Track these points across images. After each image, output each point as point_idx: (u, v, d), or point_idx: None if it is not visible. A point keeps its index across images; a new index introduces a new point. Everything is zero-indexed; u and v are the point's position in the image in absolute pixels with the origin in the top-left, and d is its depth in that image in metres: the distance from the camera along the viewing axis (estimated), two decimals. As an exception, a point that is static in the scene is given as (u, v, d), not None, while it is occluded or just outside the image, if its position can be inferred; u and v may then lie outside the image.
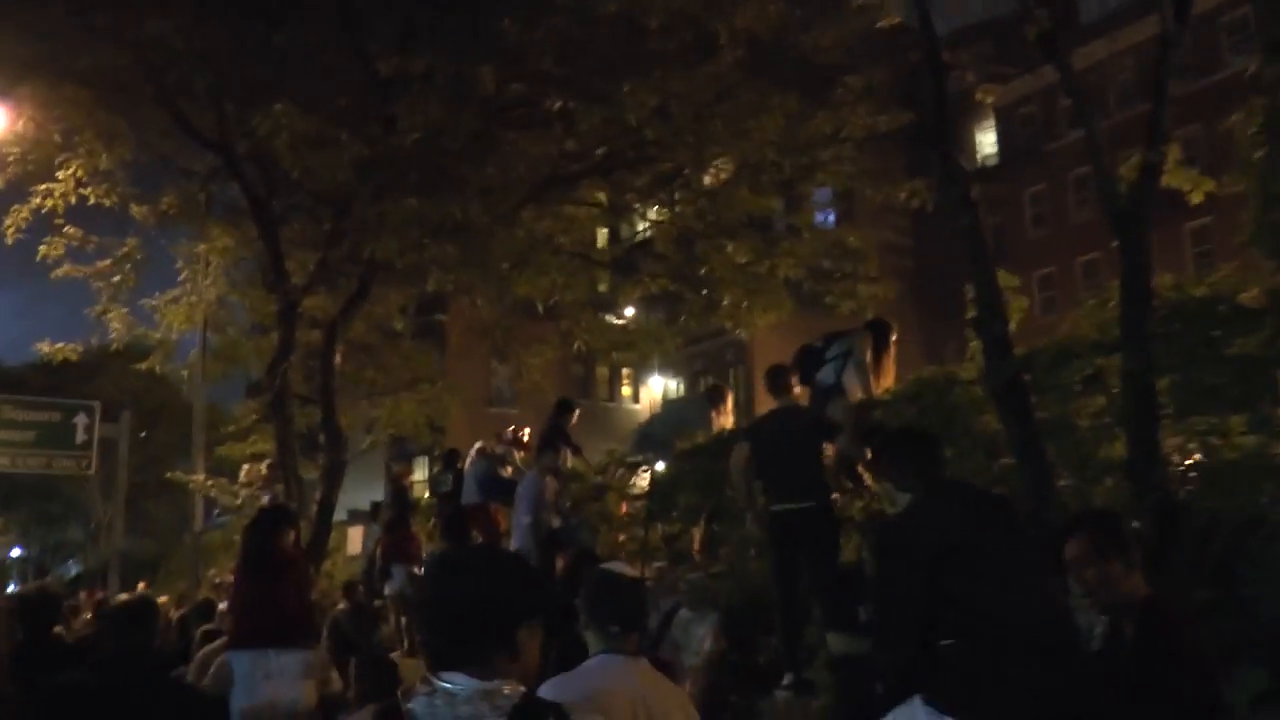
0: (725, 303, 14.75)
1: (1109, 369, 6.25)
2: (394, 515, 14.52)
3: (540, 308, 14.72)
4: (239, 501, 14.57)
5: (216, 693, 6.82)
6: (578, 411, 12.36)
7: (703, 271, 13.88)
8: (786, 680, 6.97)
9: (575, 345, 15.34)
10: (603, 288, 15.05)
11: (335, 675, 7.32)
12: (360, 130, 11.15)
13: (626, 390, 49.14)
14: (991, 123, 45.59)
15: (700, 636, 7.52)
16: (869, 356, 8.52)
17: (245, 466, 15.44)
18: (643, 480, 11.66)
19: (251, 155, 12.62)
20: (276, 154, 10.95)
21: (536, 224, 13.21)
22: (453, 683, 2.33)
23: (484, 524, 11.88)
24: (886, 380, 8.55)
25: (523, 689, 2.42)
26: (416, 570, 13.10)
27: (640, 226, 19.13)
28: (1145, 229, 6.46)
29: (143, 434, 29.82)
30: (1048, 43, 7.26)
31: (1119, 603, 3.13)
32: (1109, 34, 36.48)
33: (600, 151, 14.19)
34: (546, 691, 3.17)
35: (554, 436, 11.79)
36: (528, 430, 13.69)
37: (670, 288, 15.73)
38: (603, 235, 19.48)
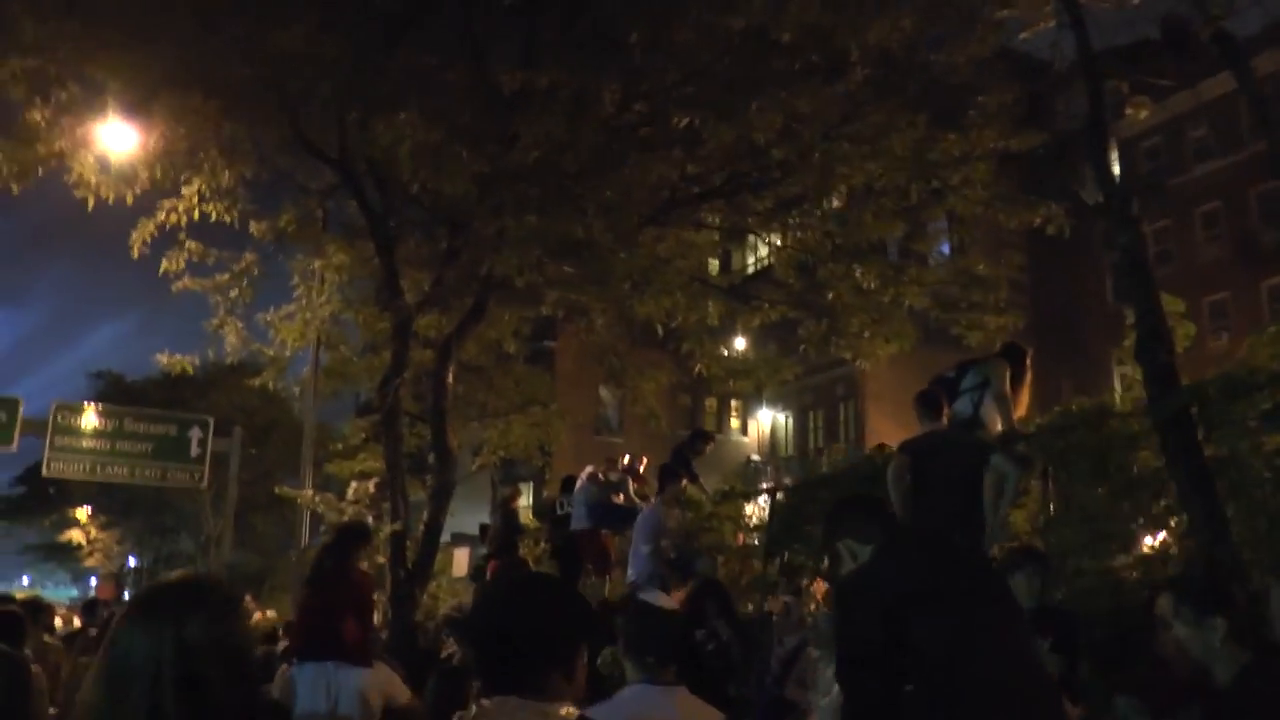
0: (849, 331, 14.27)
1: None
2: (502, 539, 14.31)
3: (660, 330, 14.39)
4: (345, 518, 14.45)
5: (281, 702, 7.05)
6: (711, 445, 12.00)
7: (828, 297, 13.39)
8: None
9: (696, 369, 14.93)
10: (713, 315, 14.65)
11: (403, 689, 7.45)
12: (481, 147, 10.96)
13: (735, 422, 48.66)
14: (1115, 154, 44.25)
15: (831, 678, 7.02)
16: (1007, 386, 7.98)
17: (353, 484, 15.38)
18: (760, 509, 11.22)
19: (370, 171, 12.55)
20: (396, 167, 10.83)
21: (656, 246, 12.87)
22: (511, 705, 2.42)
23: (594, 551, 11.55)
24: (1020, 410, 7.98)
25: (577, 711, 2.52)
26: None
27: (756, 254, 18.77)
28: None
29: (253, 450, 30.22)
30: (1224, 42, 6.69)
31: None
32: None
33: (721, 175, 13.85)
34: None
35: (680, 465, 11.44)
36: (645, 460, 13.37)
37: (789, 315, 15.29)
38: (713, 264, 19.15)
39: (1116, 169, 38.57)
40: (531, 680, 2.47)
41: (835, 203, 13.79)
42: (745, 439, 48.99)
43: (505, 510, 14.83)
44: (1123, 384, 38.99)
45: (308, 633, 7.51)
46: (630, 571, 9.82)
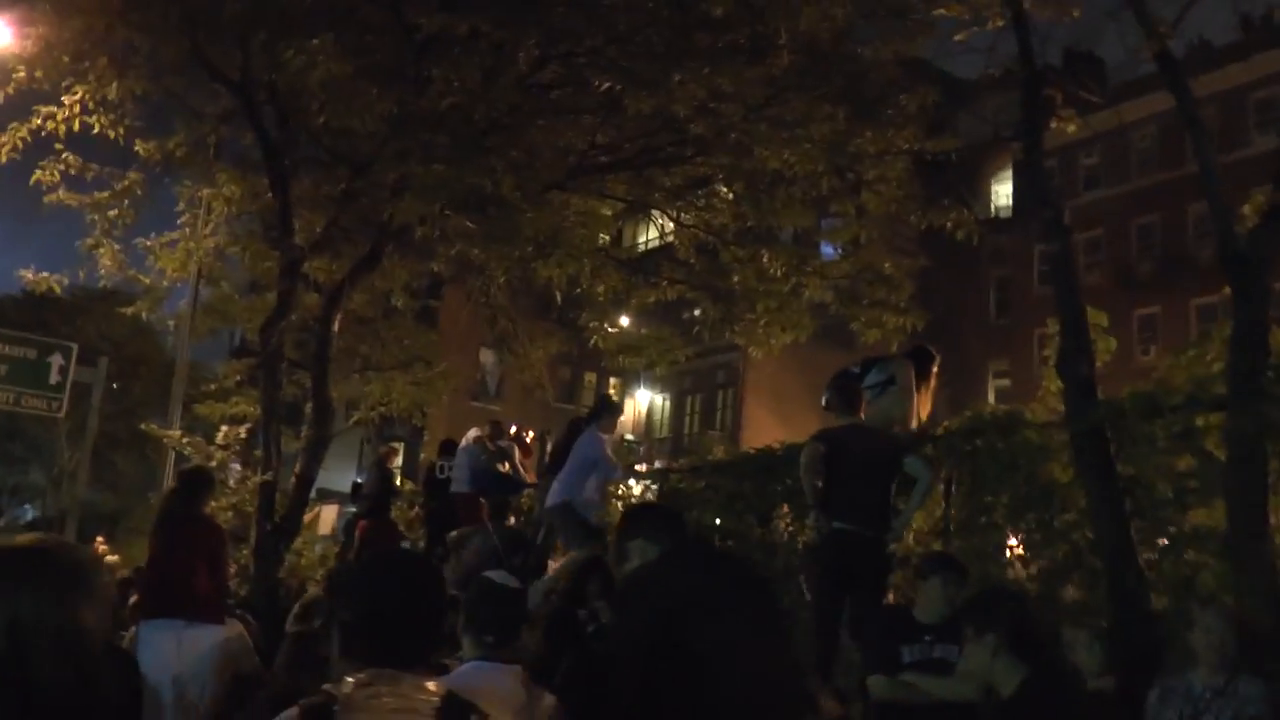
0: (745, 317, 14.13)
1: (1207, 429, 5.61)
2: (376, 499, 13.83)
3: (559, 297, 14.04)
4: (214, 463, 13.78)
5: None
6: (619, 417, 11.65)
7: (732, 280, 13.19)
8: None
9: (592, 341, 14.61)
10: (616, 285, 14.34)
11: (251, 655, 7.18)
12: (392, 87, 10.46)
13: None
14: (1008, 174, 45.23)
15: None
16: (913, 385, 7.92)
17: (223, 428, 14.66)
18: (646, 490, 10.97)
19: (271, 101, 11.92)
20: (300, 98, 10.27)
21: (562, 211, 12.51)
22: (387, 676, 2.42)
23: (471, 516, 11.18)
24: (923, 414, 7.94)
25: (446, 687, 2.55)
26: None
27: (648, 233, 18.49)
28: (1264, 275, 5.83)
29: (118, 384, 28.94)
30: (1167, 63, 6.64)
31: None
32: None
33: (633, 146, 13.55)
34: None
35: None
36: (531, 432, 13.01)
37: (687, 295, 15.09)
38: (605, 239, 18.82)
39: (1008, 188, 38.98)
40: (410, 655, 2.51)
41: (742, 186, 13.60)
42: (621, 418, 48.89)
43: (381, 469, 14.35)
44: (997, 396, 40.06)
45: (157, 586, 7.12)
46: (557, 494, 9.45)
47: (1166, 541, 5.80)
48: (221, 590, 7.44)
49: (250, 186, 14.18)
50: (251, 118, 12.18)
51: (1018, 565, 6.32)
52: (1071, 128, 8.46)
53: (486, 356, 41.78)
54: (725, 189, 13.23)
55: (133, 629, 7.04)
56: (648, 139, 13.41)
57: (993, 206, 45.39)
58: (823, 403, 7.99)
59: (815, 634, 6.47)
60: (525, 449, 12.94)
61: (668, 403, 48.10)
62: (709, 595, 1.67)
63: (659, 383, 45.30)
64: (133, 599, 9.74)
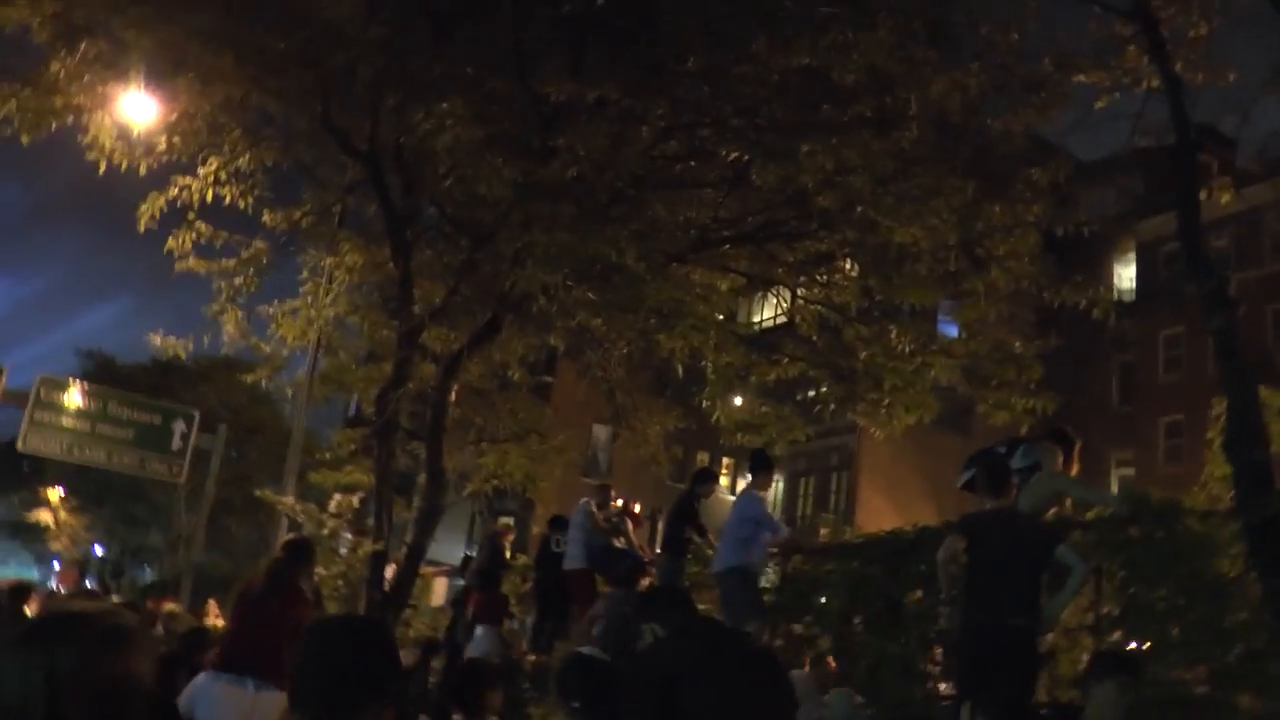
0: (868, 397, 13.67)
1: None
2: (487, 572, 13.63)
3: (680, 370, 13.77)
4: (325, 531, 13.76)
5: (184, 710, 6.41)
6: (715, 486, 11.29)
7: (862, 357, 12.77)
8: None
9: (714, 417, 14.28)
10: (736, 361, 14.01)
11: None
12: (518, 155, 10.43)
13: (724, 480, 47.79)
14: (1133, 257, 43.95)
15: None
16: (1059, 469, 7.43)
17: (336, 496, 14.71)
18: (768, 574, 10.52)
19: (398, 170, 12.03)
20: (425, 166, 10.29)
21: (685, 283, 12.30)
22: None
23: (585, 592, 10.85)
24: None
25: None
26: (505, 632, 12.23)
27: (762, 311, 18.15)
28: None
29: (235, 450, 29.49)
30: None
31: None
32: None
33: (756, 219, 13.33)
34: None
35: (684, 516, 10.76)
36: (638, 505, 12.67)
37: (809, 373, 14.67)
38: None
39: (1132, 271, 37.59)
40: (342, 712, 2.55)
41: (868, 262, 13.24)
42: (733, 499, 48.15)
43: (493, 544, 14.14)
44: (1119, 487, 38.46)
45: (236, 643, 7.01)
46: (725, 559, 9.11)
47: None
48: None
49: (372, 256, 14.31)
50: (377, 186, 12.31)
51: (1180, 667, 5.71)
52: (1226, 197, 7.96)
53: (599, 432, 41.58)
54: (849, 264, 12.85)
55: (199, 676, 6.84)
56: (770, 213, 13.19)
57: (1115, 290, 44.09)
58: (961, 483, 7.54)
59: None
60: (636, 520, 12.58)
61: (780, 484, 47.33)
62: (707, 666, 1.77)
63: (785, 466, 44.68)
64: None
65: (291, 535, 11.16)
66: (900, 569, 7.81)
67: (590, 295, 10.92)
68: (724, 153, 11.01)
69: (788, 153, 10.95)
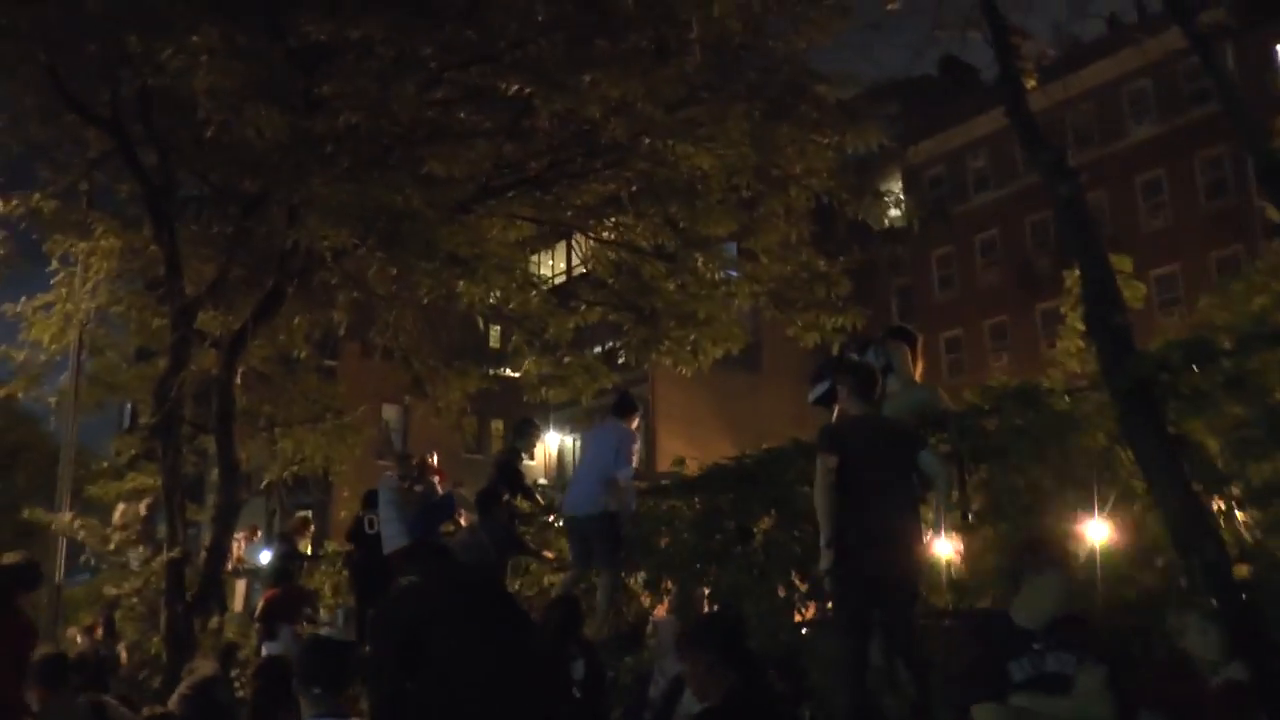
0: (674, 335, 13.38)
1: (1261, 369, 4.97)
2: (280, 570, 12.71)
3: (480, 322, 13.11)
4: (111, 546, 12.52)
5: None
6: (539, 433, 10.67)
7: (671, 289, 12.37)
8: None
9: (524, 366, 13.63)
10: (538, 304, 13.44)
11: None
12: (284, 109, 9.48)
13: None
14: (898, 185, 45.61)
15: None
16: (910, 369, 7.23)
17: (120, 506, 13.40)
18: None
19: (149, 136, 10.84)
20: (186, 114, 9.20)
21: (480, 231, 11.60)
22: None
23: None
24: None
25: None
26: (301, 630, 11.32)
27: (564, 261, 17.65)
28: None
29: (-2, 478, 27.01)
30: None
31: None
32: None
33: (540, 161, 12.72)
34: None
35: (505, 479, 10.12)
36: (435, 456, 11.85)
37: (611, 317, 14.23)
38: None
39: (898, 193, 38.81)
40: None
41: (666, 195, 12.88)
42: (531, 463, 47.54)
43: (286, 541, 13.18)
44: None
45: None
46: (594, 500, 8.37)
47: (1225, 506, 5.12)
48: (20, 695, 6.42)
49: (130, 241, 13.02)
50: (127, 156, 11.06)
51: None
52: (1032, 82, 7.88)
53: (389, 413, 40.29)
54: (649, 204, 12.41)
55: None
56: (555, 154, 12.63)
57: (885, 219, 45.65)
58: (814, 397, 7.24)
59: (842, 661, 5.64)
60: (441, 474, 11.81)
61: (577, 443, 47.10)
62: (448, 611, 1.98)
63: (566, 423, 44.29)
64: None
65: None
66: (747, 496, 7.47)
67: (379, 255, 10.08)
68: (504, 88, 10.30)
69: (570, 85, 10.42)
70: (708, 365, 13.96)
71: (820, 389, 7.18)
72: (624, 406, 9.20)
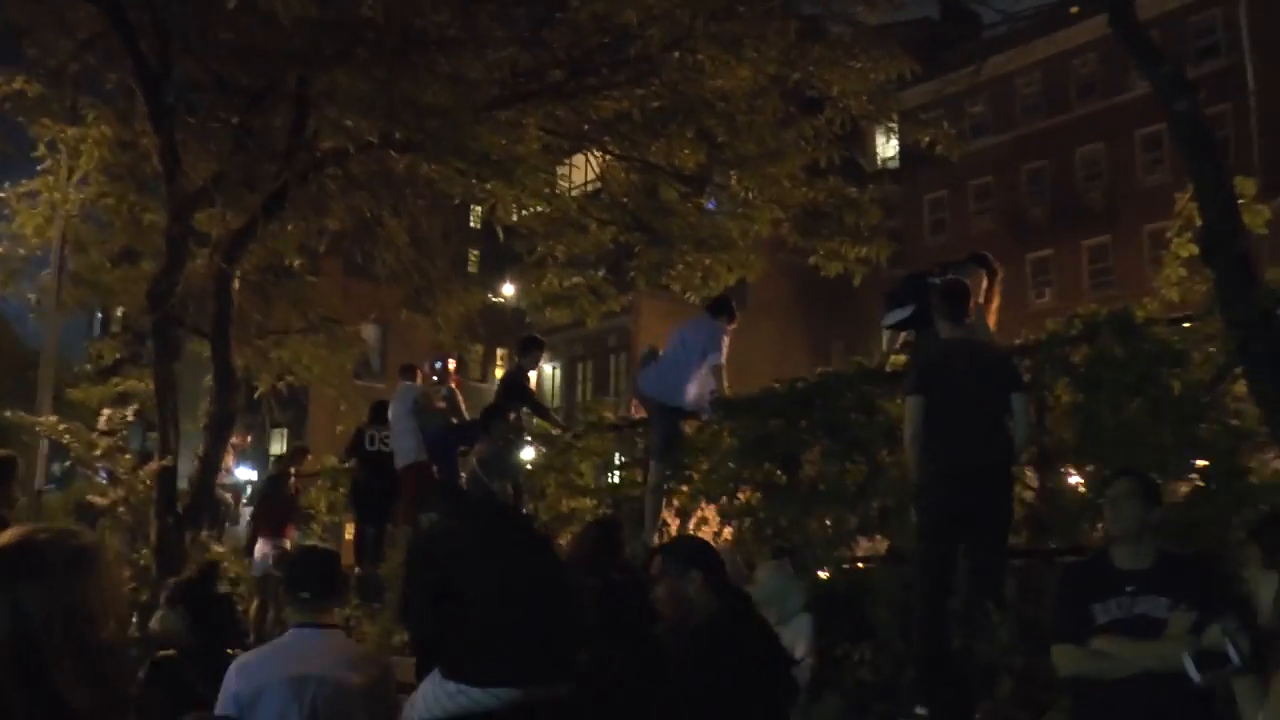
0: (687, 259, 12.85)
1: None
2: (268, 483, 12.28)
3: (500, 233, 12.51)
4: (98, 451, 11.93)
5: None
6: (542, 352, 10.15)
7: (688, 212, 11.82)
8: (921, 713, 5.08)
9: (546, 279, 13.02)
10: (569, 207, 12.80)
11: None
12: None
13: (500, 372, 46.36)
14: (893, 125, 44.94)
15: (785, 646, 5.54)
16: (982, 296, 6.76)
17: (105, 411, 12.79)
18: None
19: (148, 11, 10.08)
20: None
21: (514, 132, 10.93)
22: None
23: (424, 488, 9.58)
24: (991, 323, 6.80)
25: None
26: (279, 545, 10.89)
27: (577, 174, 17.00)
28: None
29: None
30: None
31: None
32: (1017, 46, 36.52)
33: (558, 73, 12.05)
34: (246, 659, 3.97)
35: (514, 396, 9.62)
36: (453, 361, 11.34)
37: (622, 238, 13.64)
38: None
39: (894, 140, 38.27)
40: None
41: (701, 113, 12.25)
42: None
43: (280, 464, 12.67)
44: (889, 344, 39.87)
45: None
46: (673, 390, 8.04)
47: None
48: None
49: (120, 133, 12.25)
50: (124, 34, 10.28)
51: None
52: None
53: (368, 332, 39.57)
54: (676, 121, 11.78)
55: None
56: (576, 64, 11.96)
57: (879, 159, 45.00)
58: (892, 321, 6.78)
59: (920, 599, 5.24)
60: (459, 381, 11.31)
61: (558, 372, 46.54)
62: (477, 546, 1.94)
63: (549, 352, 43.68)
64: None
65: None
66: (797, 422, 7.01)
67: (408, 148, 9.40)
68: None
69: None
70: (717, 290, 13.46)
71: (900, 313, 6.74)
72: (720, 305, 8.71)
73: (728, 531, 7.19)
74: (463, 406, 10.65)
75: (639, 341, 42.88)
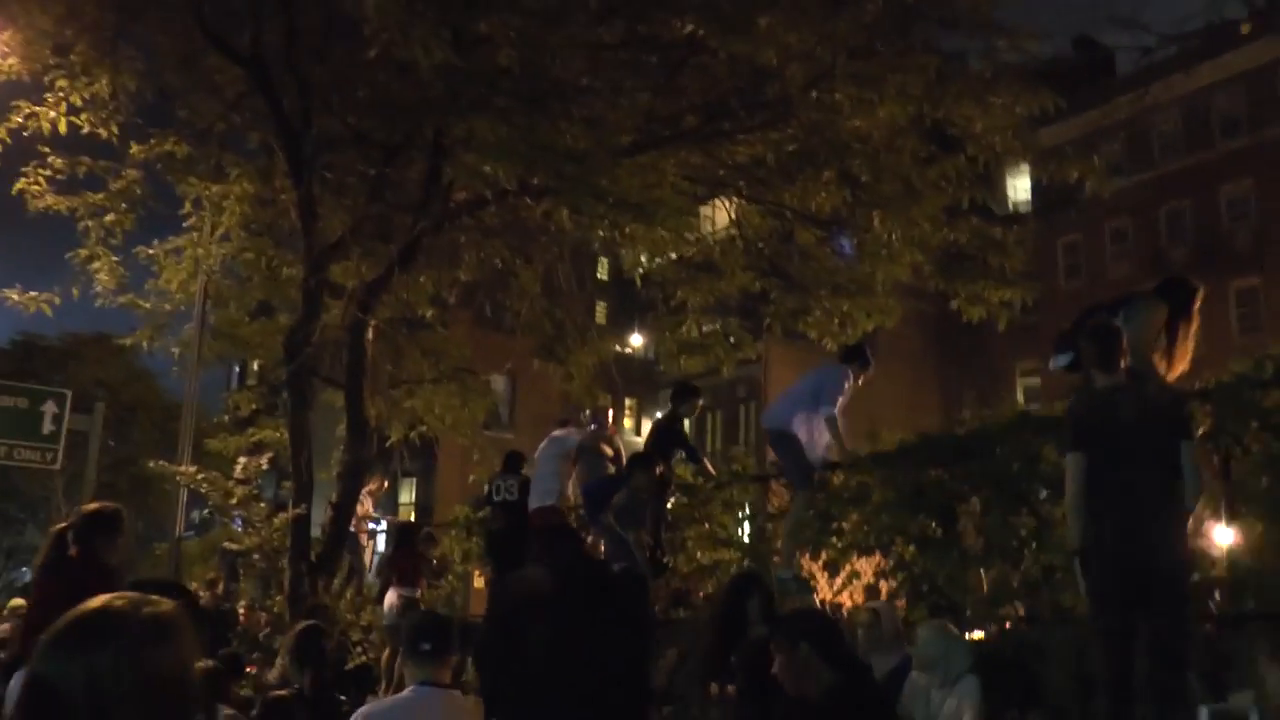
0: (825, 305, 12.50)
1: None
2: (402, 533, 12.18)
3: (638, 280, 12.37)
4: (234, 500, 12.06)
5: None
6: (699, 401, 9.86)
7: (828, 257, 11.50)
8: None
9: (683, 326, 12.80)
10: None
11: None
12: (443, 37, 8.79)
13: (628, 423, 46.31)
14: (1025, 168, 43.87)
15: (949, 712, 5.13)
16: (1152, 332, 6.13)
17: (242, 460, 12.94)
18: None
19: (289, 69, 10.27)
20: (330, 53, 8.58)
21: (649, 175, 10.78)
22: None
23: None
24: (1180, 364, 6.12)
25: None
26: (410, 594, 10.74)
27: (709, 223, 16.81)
28: None
29: (115, 432, 27.07)
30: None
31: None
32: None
33: (693, 119, 11.88)
34: (371, 710, 4.30)
35: (667, 442, 9.36)
36: (610, 411, 11.16)
37: (758, 284, 13.34)
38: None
39: (1027, 183, 37.31)
40: None
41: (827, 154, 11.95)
42: (638, 440, 46.98)
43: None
44: (1025, 397, 38.55)
45: (32, 632, 5.68)
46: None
47: None
48: None
49: (260, 190, 12.53)
50: (267, 93, 10.49)
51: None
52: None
53: (498, 384, 39.97)
54: (812, 163, 11.50)
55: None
56: (711, 108, 11.78)
57: (1010, 202, 43.96)
58: (1060, 365, 6.31)
59: (1105, 668, 4.76)
60: (614, 430, 11.08)
61: (688, 422, 46.15)
62: (546, 597, 1.95)
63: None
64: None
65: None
66: (955, 474, 6.59)
67: (546, 194, 9.31)
68: (677, 26, 9.48)
69: (746, 25, 9.57)
70: (855, 337, 13.05)
71: (1064, 358, 6.27)
72: (852, 353, 8.41)
73: (883, 585, 6.79)
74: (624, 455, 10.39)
75: (769, 392, 42.49)
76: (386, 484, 16.17)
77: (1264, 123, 36.19)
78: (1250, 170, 35.92)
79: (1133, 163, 40.22)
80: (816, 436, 7.68)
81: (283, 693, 5.78)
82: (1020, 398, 38.70)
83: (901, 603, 6.46)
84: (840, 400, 7.72)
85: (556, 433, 10.16)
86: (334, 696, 5.35)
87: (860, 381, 8.13)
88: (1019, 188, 44.66)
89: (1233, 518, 5.37)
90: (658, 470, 8.84)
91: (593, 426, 10.62)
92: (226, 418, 15.77)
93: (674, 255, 11.89)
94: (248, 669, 9.40)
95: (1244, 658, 4.59)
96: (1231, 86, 36.81)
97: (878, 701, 4.25)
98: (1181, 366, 6.00)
